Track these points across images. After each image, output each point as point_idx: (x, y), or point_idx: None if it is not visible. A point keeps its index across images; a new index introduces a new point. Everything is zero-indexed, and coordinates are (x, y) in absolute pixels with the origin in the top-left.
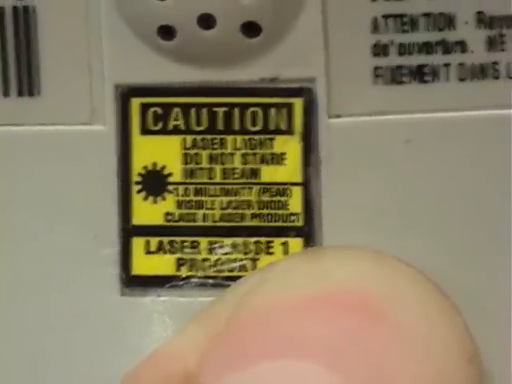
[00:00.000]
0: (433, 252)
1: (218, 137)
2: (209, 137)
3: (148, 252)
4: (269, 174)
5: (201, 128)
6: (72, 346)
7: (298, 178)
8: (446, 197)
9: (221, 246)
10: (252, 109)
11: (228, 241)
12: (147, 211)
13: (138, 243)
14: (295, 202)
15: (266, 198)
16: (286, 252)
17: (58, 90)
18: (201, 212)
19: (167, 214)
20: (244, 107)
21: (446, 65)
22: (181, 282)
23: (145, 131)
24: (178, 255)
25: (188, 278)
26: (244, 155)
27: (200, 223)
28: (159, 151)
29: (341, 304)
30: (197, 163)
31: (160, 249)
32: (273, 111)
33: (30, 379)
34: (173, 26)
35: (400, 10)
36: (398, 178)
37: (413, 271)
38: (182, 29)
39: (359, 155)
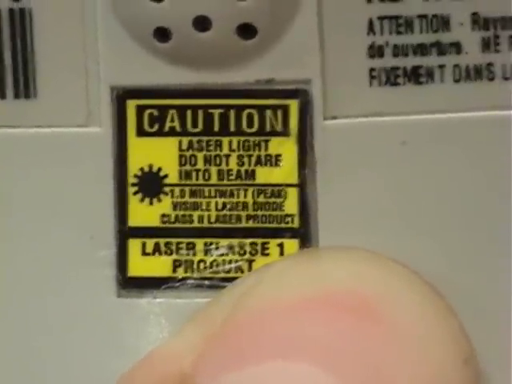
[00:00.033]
0: (429, 253)
1: (214, 138)
2: (205, 138)
3: (144, 253)
4: (264, 175)
5: (197, 130)
6: (68, 348)
7: (294, 180)
8: (443, 198)
9: (217, 248)
10: (248, 110)
11: (224, 242)
12: (143, 213)
13: (134, 245)
14: (291, 204)
15: (261, 199)
16: (281, 253)
17: (55, 92)
18: (197, 213)
19: (163, 215)
20: (240, 109)
21: (441, 66)
22: (177, 284)
23: (141, 133)
24: (174, 257)
25: (184, 279)
26: (240, 157)
27: (196, 225)
28: (155, 153)
29: (337, 305)
30: (193, 165)
31: (156, 250)
32: (268, 113)
33: (27, 380)
34: (168, 28)
35: (395, 11)
36: (394, 179)
37: (408, 272)
38: (178, 31)
39: (355, 157)
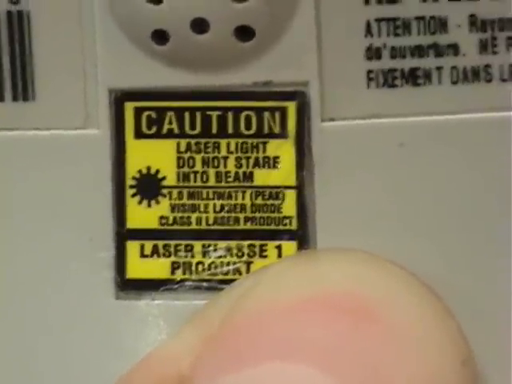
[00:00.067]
0: (427, 255)
1: (212, 140)
2: (203, 140)
3: (142, 256)
4: (262, 177)
5: (195, 132)
6: (67, 349)
7: (292, 182)
8: (440, 200)
9: (215, 250)
10: (246, 112)
11: (222, 244)
12: (142, 215)
13: (132, 247)
14: (289, 206)
15: (259, 201)
16: (279, 255)
17: (53, 94)
18: (195, 215)
19: (161, 217)
20: (238, 111)
21: (439, 68)
22: (175, 286)
23: (139, 135)
24: (173, 259)
25: (182, 281)
26: (238, 159)
27: (194, 227)
28: (153, 155)
29: (335, 306)
30: (191, 167)
31: (154, 252)
32: (266, 115)
33: (25, 382)
34: (166, 30)
35: (393, 13)
36: (392, 181)
37: (406, 274)
38: (176, 33)
39: (353, 158)
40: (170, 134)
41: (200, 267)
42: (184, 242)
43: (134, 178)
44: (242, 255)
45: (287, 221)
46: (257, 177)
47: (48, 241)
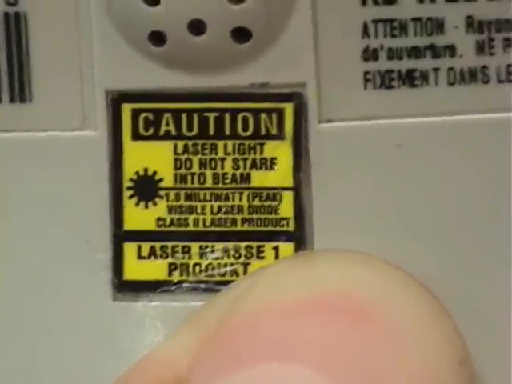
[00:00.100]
0: (424, 256)
1: (209, 142)
2: (200, 142)
3: (140, 257)
4: (259, 179)
5: (192, 133)
6: (64, 351)
7: (289, 183)
8: (437, 201)
9: (212, 251)
10: (243, 114)
11: (219, 245)
12: (139, 216)
13: (129, 248)
14: (286, 207)
15: (256, 202)
16: (277, 257)
17: (50, 96)
18: (192, 217)
19: (159, 219)
20: (235, 112)
21: (436, 69)
22: (172, 287)
23: (136, 137)
24: (170, 260)
25: (180, 282)
26: (235, 160)
27: (191, 228)
28: (150, 157)
29: (333, 307)
30: (188, 168)
31: (152, 254)
32: (263, 116)
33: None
34: (163, 31)
35: (390, 14)
36: (389, 182)
37: (403, 274)
38: (173, 35)
39: (350, 160)
40: (167, 136)
41: (197, 269)
42: (181, 244)
43: (131, 179)
44: (240, 256)
45: (284, 222)
46: (254, 178)
47: (45, 242)
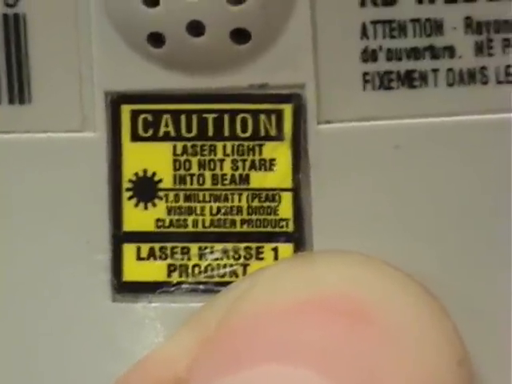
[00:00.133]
0: (424, 257)
1: (208, 143)
2: (199, 143)
3: (139, 258)
4: (258, 180)
5: (191, 134)
6: (64, 352)
7: (288, 184)
8: (436, 202)
9: (211, 252)
10: (242, 115)
11: (218, 246)
12: (138, 218)
13: (129, 249)
14: (285, 208)
15: (255, 203)
16: (276, 257)
17: (49, 97)
18: (191, 218)
19: (158, 220)
20: (234, 113)
21: (435, 70)
22: (172, 288)
23: (135, 138)
24: (169, 261)
25: (179, 283)
26: (234, 161)
27: (190, 229)
28: (150, 158)
29: (332, 308)
30: (187, 169)
31: (151, 255)
32: (262, 117)
33: None
34: (162, 33)
35: (388, 15)
36: (388, 183)
37: (402, 275)
38: (172, 36)
39: (349, 161)
40: (166, 137)
41: (196, 270)
42: (180, 245)
43: (130, 180)
44: (239, 257)
45: (283, 223)
46: (253, 179)
47: (45, 243)
